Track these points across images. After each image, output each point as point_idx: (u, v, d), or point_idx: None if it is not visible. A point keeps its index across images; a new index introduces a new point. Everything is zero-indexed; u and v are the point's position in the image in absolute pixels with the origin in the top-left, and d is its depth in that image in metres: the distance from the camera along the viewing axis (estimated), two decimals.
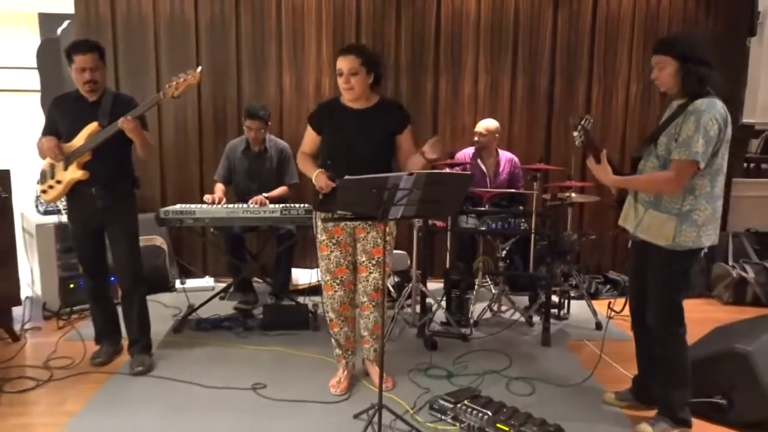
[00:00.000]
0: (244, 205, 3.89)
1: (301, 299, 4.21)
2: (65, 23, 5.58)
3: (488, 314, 4.23)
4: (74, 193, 3.21)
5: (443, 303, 4.05)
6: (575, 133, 2.57)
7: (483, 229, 4.13)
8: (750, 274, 4.70)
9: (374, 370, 3.11)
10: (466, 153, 4.67)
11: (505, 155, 4.68)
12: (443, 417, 2.77)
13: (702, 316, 4.20)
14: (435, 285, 4.45)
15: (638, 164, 2.67)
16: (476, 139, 4.56)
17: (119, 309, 3.45)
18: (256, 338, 3.78)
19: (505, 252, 4.22)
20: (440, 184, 2.49)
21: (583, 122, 2.56)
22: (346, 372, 3.10)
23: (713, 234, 2.54)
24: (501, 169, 4.62)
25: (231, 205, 3.90)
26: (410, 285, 4.04)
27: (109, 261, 3.38)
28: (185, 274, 4.95)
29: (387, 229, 2.95)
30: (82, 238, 3.29)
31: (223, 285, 4.44)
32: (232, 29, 4.89)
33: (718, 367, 2.77)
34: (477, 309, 4.17)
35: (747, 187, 5.45)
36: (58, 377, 3.19)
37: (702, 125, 2.38)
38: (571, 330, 4.04)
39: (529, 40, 5.01)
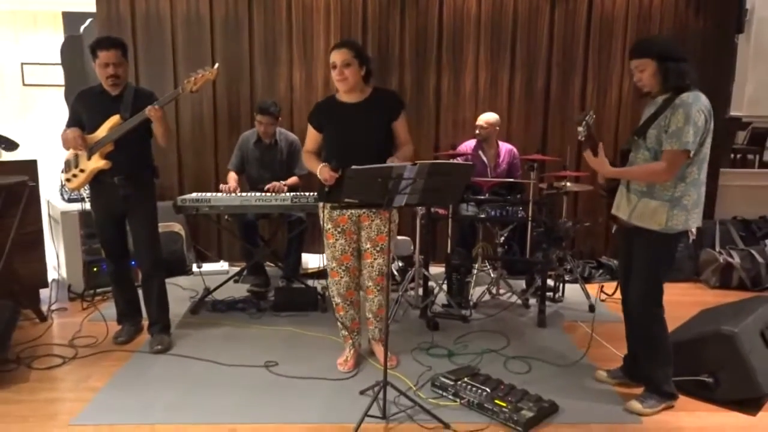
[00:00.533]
0: (257, 194, 3.87)
1: (310, 282, 4.20)
2: (88, 21, 5.56)
3: (487, 297, 4.21)
4: (97, 181, 3.21)
5: (444, 286, 4.04)
6: (579, 128, 2.56)
7: (482, 216, 4.10)
8: (736, 260, 4.67)
9: (379, 350, 3.10)
10: (468, 145, 4.64)
11: (504, 146, 4.65)
12: (444, 393, 2.77)
13: (690, 300, 4.18)
14: (437, 269, 4.44)
15: (628, 156, 2.66)
16: (478, 132, 4.53)
17: (140, 291, 3.45)
18: (268, 319, 3.78)
19: (503, 238, 4.20)
20: (442, 174, 2.46)
21: (587, 118, 2.54)
22: (352, 351, 3.10)
23: (698, 217, 2.56)
24: (501, 160, 4.59)
25: (244, 194, 3.89)
26: (413, 269, 4.03)
27: (130, 246, 3.37)
28: (201, 258, 4.95)
29: (391, 217, 2.94)
30: (105, 224, 3.29)
31: (237, 269, 4.44)
32: (245, 27, 4.85)
33: (705, 347, 2.75)
34: (476, 292, 4.16)
35: (734, 177, 5.41)
36: (83, 355, 3.21)
37: (691, 117, 2.39)
38: (565, 312, 4.03)
39: (527, 38, 4.95)
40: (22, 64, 7.00)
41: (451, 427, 2.51)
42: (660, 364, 2.65)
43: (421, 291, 3.97)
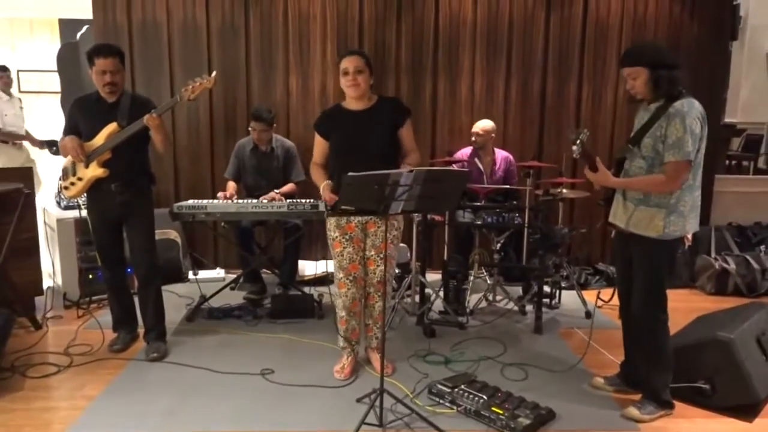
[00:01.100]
0: (254, 201, 3.87)
1: (307, 289, 4.19)
2: (84, 28, 5.57)
3: (484, 304, 4.22)
4: (95, 188, 3.20)
5: (441, 293, 4.04)
6: (574, 147, 2.56)
7: (479, 223, 4.10)
8: (731, 266, 4.68)
9: (376, 357, 3.10)
10: (464, 152, 4.64)
11: (500, 154, 4.66)
12: (441, 401, 2.77)
13: (686, 306, 4.18)
14: (433, 276, 4.43)
15: (623, 164, 2.66)
16: (474, 139, 4.53)
17: (136, 299, 3.44)
18: (265, 326, 3.77)
19: (499, 245, 4.20)
20: (438, 181, 2.47)
21: (581, 136, 2.55)
22: (349, 359, 3.09)
23: (695, 222, 2.58)
24: (497, 167, 4.60)
25: (241, 201, 3.89)
26: (410, 276, 4.03)
27: (126, 253, 3.37)
28: (198, 265, 4.94)
29: (395, 224, 2.96)
30: (102, 231, 3.28)
31: (233, 276, 4.43)
32: (242, 34, 4.86)
33: (701, 354, 2.76)
34: (473, 299, 4.16)
35: (729, 183, 5.43)
36: (78, 363, 3.19)
37: (688, 126, 2.41)
38: (561, 318, 4.03)
39: (523, 44, 4.97)
40: (18, 71, 6.99)
41: None
42: (660, 371, 2.66)
43: (417, 298, 3.97)
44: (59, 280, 4.23)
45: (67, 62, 5.57)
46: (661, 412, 2.67)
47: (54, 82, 6.27)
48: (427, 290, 3.95)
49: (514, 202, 4.22)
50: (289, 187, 4.25)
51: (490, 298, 4.28)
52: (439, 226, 4.24)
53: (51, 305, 3.99)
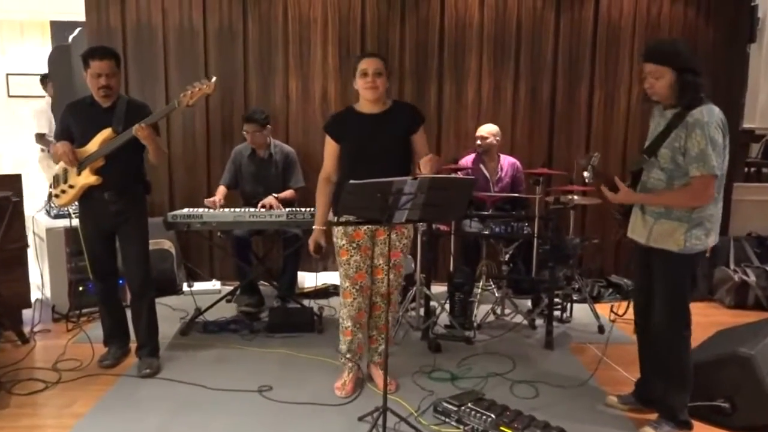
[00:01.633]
0: (252, 210, 3.88)
1: (306, 302, 4.18)
2: (76, 31, 5.60)
3: (491, 317, 4.20)
4: (87, 197, 3.20)
5: (447, 306, 4.02)
6: (585, 174, 2.56)
7: (486, 233, 4.10)
8: (751, 278, 4.65)
9: (378, 374, 3.08)
10: (468, 159, 4.65)
11: (506, 159, 4.66)
12: (447, 419, 2.75)
13: (704, 320, 4.15)
14: (439, 288, 4.42)
15: (639, 177, 2.63)
16: (478, 143, 4.54)
17: (128, 311, 3.44)
18: (262, 341, 3.76)
19: (508, 256, 4.19)
20: (444, 189, 2.47)
21: (591, 161, 2.54)
22: (351, 374, 3.08)
23: (716, 234, 2.56)
24: (503, 173, 4.60)
25: (238, 210, 3.89)
26: (414, 288, 4.01)
27: (119, 264, 3.36)
28: (192, 277, 4.94)
29: (405, 232, 2.96)
30: (94, 241, 3.28)
31: (229, 288, 4.42)
32: (240, 37, 4.89)
33: (720, 370, 2.74)
34: (480, 312, 4.14)
35: (748, 191, 5.41)
36: (67, 379, 3.18)
37: (709, 137, 2.38)
38: (573, 333, 4.01)
39: (531, 46, 4.99)
40: (7, 75, 7.04)
41: None
42: (679, 389, 2.63)
43: (422, 311, 3.96)
44: (48, 292, 4.23)
45: (59, 66, 5.60)
46: None
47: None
48: (432, 303, 3.93)
49: (523, 211, 4.21)
50: (287, 193, 4.26)
51: (498, 311, 4.26)
52: (445, 236, 4.23)
53: (39, 318, 3.98)
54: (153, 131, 3.09)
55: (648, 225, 2.59)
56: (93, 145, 3.12)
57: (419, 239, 3.99)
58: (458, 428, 2.69)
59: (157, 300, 3.47)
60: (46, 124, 5.66)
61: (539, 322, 4.04)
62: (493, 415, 2.65)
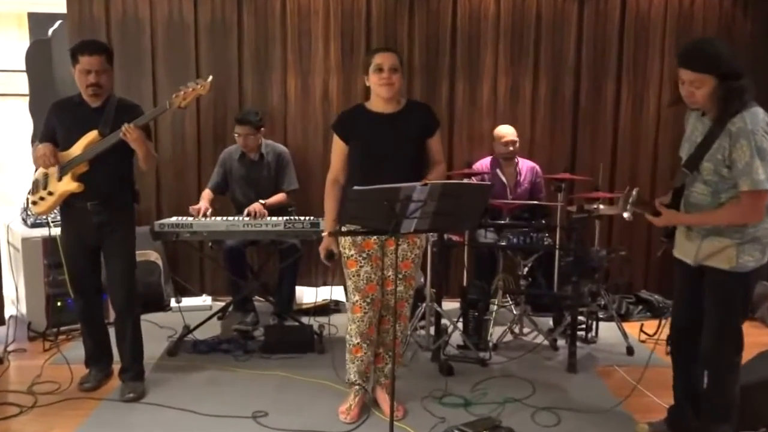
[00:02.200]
0: (246, 219, 3.89)
1: (305, 320, 4.19)
2: (57, 24, 5.64)
3: (509, 337, 4.19)
4: (68, 206, 3.20)
5: (460, 324, 4.02)
6: (626, 215, 2.55)
7: (503, 244, 4.10)
8: None
9: (384, 398, 3.08)
10: (483, 163, 4.66)
11: (525, 163, 4.67)
12: None
13: (744, 340, 4.12)
14: (451, 305, 4.42)
15: (681, 192, 2.60)
16: (510, 148, 4.53)
17: (111, 329, 3.44)
18: (257, 362, 3.76)
19: (527, 269, 4.19)
20: (456, 196, 2.47)
21: (630, 200, 2.53)
22: (357, 398, 3.07)
23: None
24: (522, 179, 4.61)
25: (231, 218, 3.90)
26: (424, 305, 4.01)
27: (103, 278, 3.36)
28: (181, 292, 4.95)
29: (418, 242, 2.97)
30: (76, 256, 3.27)
31: (221, 304, 4.43)
32: (234, 31, 4.93)
33: (762, 396, 2.72)
34: (497, 331, 4.14)
35: None
36: (44, 403, 3.18)
37: (756, 146, 2.35)
38: (599, 354, 4.00)
39: (552, 41, 5.01)
40: None
41: None
42: (722, 420, 2.61)
43: (432, 330, 3.95)
44: (23, 308, 4.25)
45: (37, 61, 5.64)
46: None
47: (22, 83, 6.35)
48: (444, 321, 3.93)
49: (543, 220, 4.21)
50: (277, 197, 4.27)
51: (517, 330, 4.25)
52: (458, 247, 4.23)
53: (13, 337, 4.00)
54: (143, 134, 3.08)
55: (695, 243, 2.57)
56: (77, 149, 3.11)
57: (429, 251, 3.99)
58: None
59: (142, 317, 3.49)
60: None
61: (561, 342, 4.03)
62: None
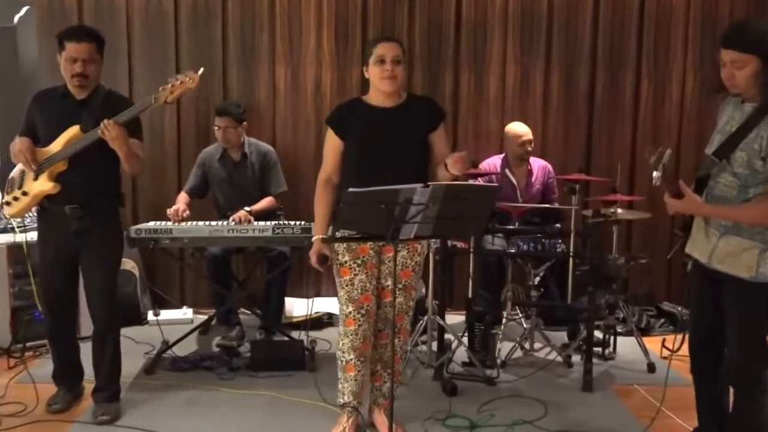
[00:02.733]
0: (233, 224, 3.89)
1: (295, 334, 4.19)
2: (23, 10, 5.64)
3: (519, 353, 4.19)
4: (45, 211, 3.18)
5: (465, 339, 4.02)
6: (655, 174, 2.49)
7: (512, 251, 4.10)
8: None
9: (382, 420, 3.08)
10: (492, 162, 4.67)
11: (537, 163, 4.68)
12: None
13: None
14: (455, 318, 4.42)
15: (705, 182, 2.59)
16: (528, 149, 4.54)
17: (83, 345, 3.43)
18: (243, 381, 3.76)
19: (538, 279, 4.19)
20: (461, 199, 2.48)
21: (663, 159, 2.48)
22: (351, 420, 3.07)
23: None
24: (534, 179, 4.61)
25: (214, 223, 3.91)
26: (425, 318, 4.02)
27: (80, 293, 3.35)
28: (159, 303, 4.95)
29: (419, 248, 2.97)
30: (52, 268, 3.24)
31: (203, 317, 4.44)
32: (218, 19, 4.94)
33: None
34: (505, 347, 4.14)
35: None
36: (8, 426, 3.17)
37: None
38: (617, 372, 4.01)
39: (566, 29, 5.02)
40: None
41: None
42: None
43: (435, 345, 3.96)
44: None
45: (2, 51, 5.65)
46: None
47: None
48: (447, 336, 3.93)
49: (556, 225, 4.22)
50: (264, 203, 4.27)
51: (527, 346, 4.26)
52: (462, 254, 4.23)
53: None
54: (124, 131, 3.02)
55: (711, 240, 2.55)
56: (56, 146, 3.09)
57: (431, 258, 4.00)
58: None
59: None
60: None
61: (576, 358, 4.04)
62: None
